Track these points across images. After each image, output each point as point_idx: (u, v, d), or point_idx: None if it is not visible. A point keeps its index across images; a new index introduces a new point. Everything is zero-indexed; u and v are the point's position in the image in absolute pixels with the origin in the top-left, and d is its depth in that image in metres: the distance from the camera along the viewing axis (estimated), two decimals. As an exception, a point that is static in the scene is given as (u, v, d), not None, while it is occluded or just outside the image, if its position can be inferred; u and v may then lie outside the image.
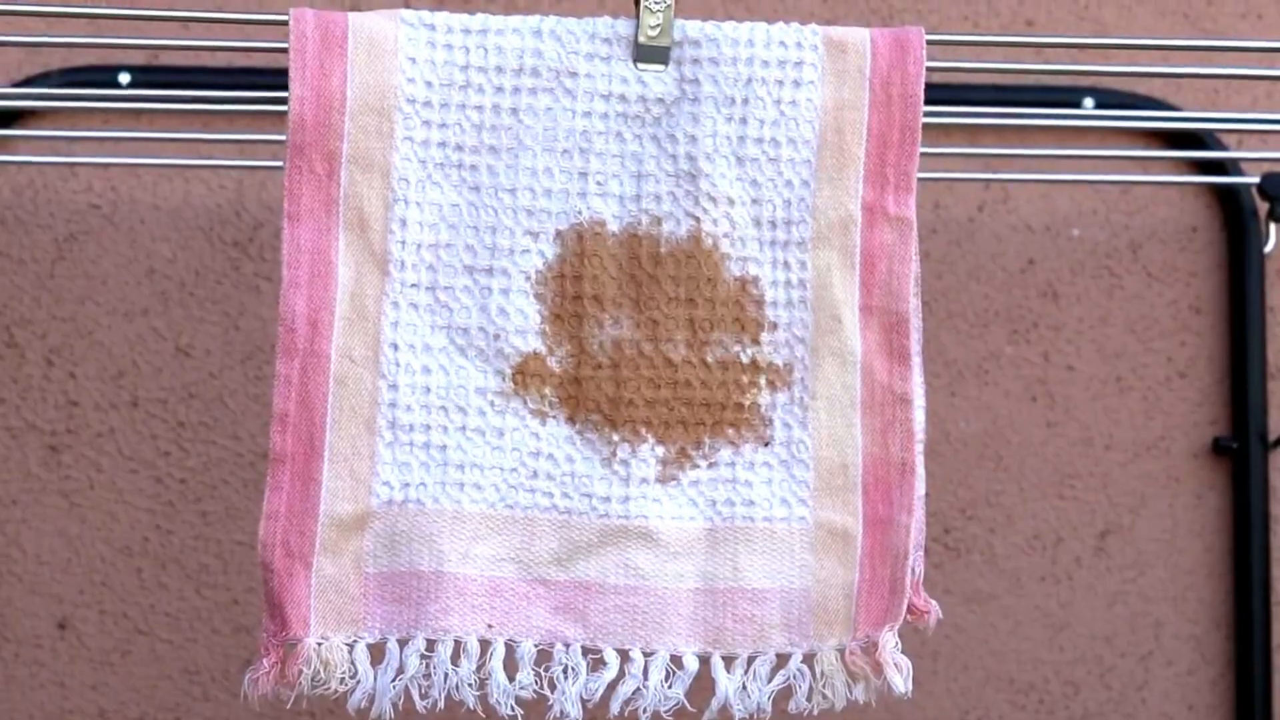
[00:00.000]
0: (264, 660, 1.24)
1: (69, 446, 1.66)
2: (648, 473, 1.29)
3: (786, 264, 1.30)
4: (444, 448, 1.28)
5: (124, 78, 1.65)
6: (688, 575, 1.29)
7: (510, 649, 1.26)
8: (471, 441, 1.28)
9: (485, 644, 1.26)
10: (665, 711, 1.26)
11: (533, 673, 1.26)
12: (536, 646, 1.27)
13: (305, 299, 1.27)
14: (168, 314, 1.66)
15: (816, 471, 1.30)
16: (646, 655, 1.28)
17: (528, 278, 1.29)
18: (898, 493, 1.29)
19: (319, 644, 1.25)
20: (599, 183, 1.30)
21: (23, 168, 1.66)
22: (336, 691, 1.24)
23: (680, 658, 1.28)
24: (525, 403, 1.29)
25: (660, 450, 1.29)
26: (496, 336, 1.29)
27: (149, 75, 1.65)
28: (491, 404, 1.29)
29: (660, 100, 1.30)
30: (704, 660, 1.28)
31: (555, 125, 1.29)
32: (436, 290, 1.29)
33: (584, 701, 1.25)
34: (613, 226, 1.30)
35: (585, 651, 1.28)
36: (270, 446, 1.26)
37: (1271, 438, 1.68)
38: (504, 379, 1.29)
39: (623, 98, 1.30)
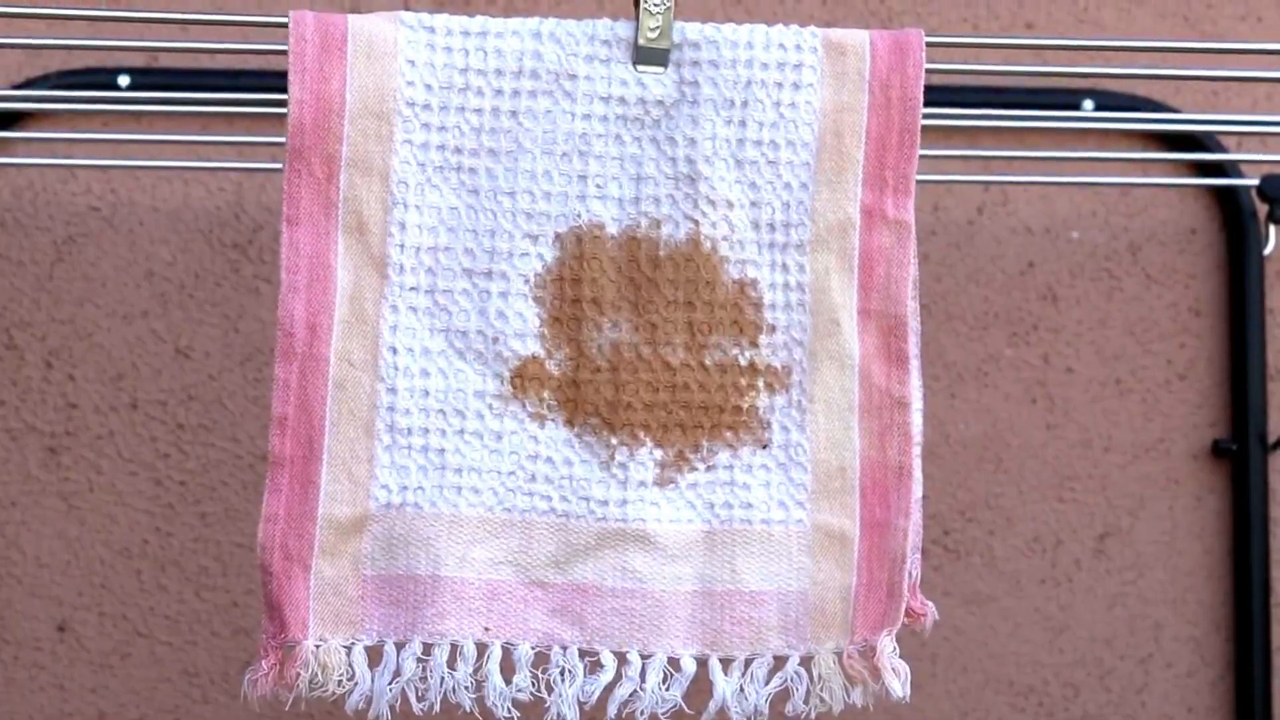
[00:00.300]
0: (263, 662, 1.24)
1: (68, 449, 1.66)
2: (646, 476, 1.29)
3: (785, 266, 1.30)
4: (442, 451, 1.28)
5: (123, 80, 1.65)
6: (685, 578, 1.29)
7: (507, 652, 1.26)
8: (470, 445, 1.28)
9: (482, 647, 1.26)
10: (663, 714, 1.26)
11: (530, 675, 1.26)
12: (534, 649, 1.27)
13: (304, 303, 1.27)
14: (167, 316, 1.66)
15: (814, 474, 1.30)
16: (644, 658, 1.28)
17: (526, 281, 1.29)
18: (895, 496, 1.29)
19: (317, 646, 1.25)
20: (598, 185, 1.30)
21: (22, 170, 1.66)
22: (334, 694, 1.24)
23: (678, 660, 1.28)
24: (524, 406, 1.29)
25: (658, 453, 1.29)
26: (495, 340, 1.28)
27: (148, 77, 1.65)
28: (490, 407, 1.29)
29: (660, 102, 1.30)
30: (701, 663, 1.28)
31: (555, 128, 1.29)
32: (435, 293, 1.29)
33: (580, 704, 1.25)
34: (611, 229, 1.30)
35: (582, 654, 1.28)
36: (269, 450, 1.26)
37: (1271, 440, 1.68)
38: (502, 382, 1.29)
39: (622, 100, 1.30)
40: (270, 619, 1.25)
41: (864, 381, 1.29)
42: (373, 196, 1.28)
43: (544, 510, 1.28)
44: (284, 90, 1.27)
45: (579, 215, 1.29)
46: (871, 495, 1.29)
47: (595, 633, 1.28)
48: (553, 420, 1.29)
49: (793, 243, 1.30)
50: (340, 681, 1.25)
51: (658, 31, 1.30)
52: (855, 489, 1.29)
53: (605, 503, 1.28)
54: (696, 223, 1.29)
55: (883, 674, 1.26)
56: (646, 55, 1.30)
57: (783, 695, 1.27)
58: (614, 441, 1.29)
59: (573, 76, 1.29)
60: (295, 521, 1.26)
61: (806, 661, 1.28)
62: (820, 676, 1.27)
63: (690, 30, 1.30)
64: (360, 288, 1.28)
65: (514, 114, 1.29)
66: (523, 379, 1.29)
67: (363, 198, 1.28)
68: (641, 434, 1.29)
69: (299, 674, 1.25)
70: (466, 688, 1.25)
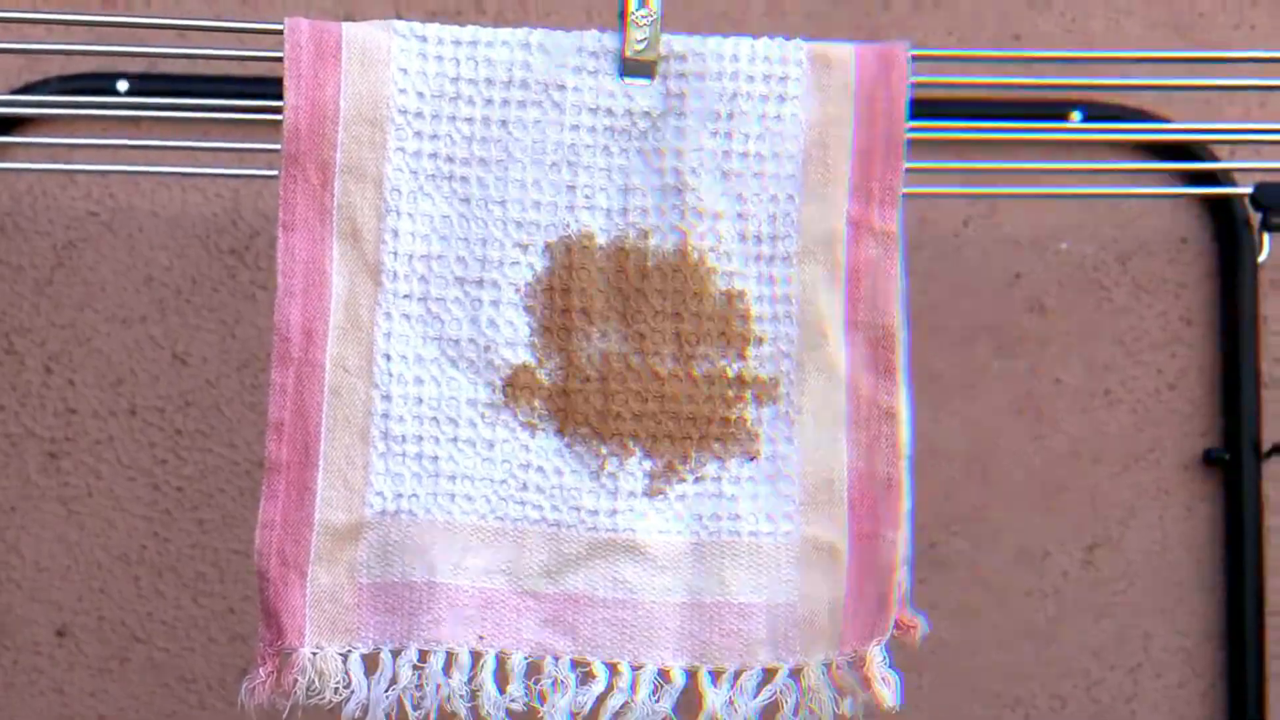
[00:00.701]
0: (260, 669, 1.24)
1: (68, 454, 1.66)
2: (635, 486, 1.29)
3: (772, 278, 1.30)
4: (436, 459, 1.28)
5: (122, 85, 1.65)
6: (675, 589, 1.29)
7: (502, 660, 1.27)
8: (463, 453, 1.28)
9: (477, 655, 1.26)
10: None
11: (523, 685, 1.26)
12: (526, 659, 1.27)
13: (300, 308, 1.27)
14: (165, 322, 1.67)
15: (803, 486, 1.29)
16: (635, 669, 1.28)
17: (517, 290, 1.29)
18: (884, 508, 1.28)
19: (314, 654, 1.26)
20: (586, 196, 1.30)
21: (22, 174, 1.66)
22: (331, 701, 1.24)
23: (668, 671, 1.28)
24: (515, 415, 1.29)
25: (648, 464, 1.29)
26: (487, 348, 1.29)
27: (148, 83, 1.66)
28: (482, 416, 1.29)
29: (646, 114, 1.30)
30: (691, 674, 1.28)
31: (544, 138, 1.30)
32: (428, 301, 1.29)
33: (574, 715, 1.25)
34: (600, 240, 1.30)
35: (575, 664, 1.28)
36: (266, 455, 1.26)
37: (1265, 448, 1.68)
38: (494, 390, 1.29)
39: (609, 111, 1.30)
40: (267, 625, 1.25)
41: (852, 393, 1.29)
42: (366, 203, 1.28)
43: (535, 519, 1.29)
44: (280, 97, 1.27)
45: (568, 225, 1.30)
46: (860, 507, 1.29)
47: (587, 643, 1.28)
48: (544, 430, 1.29)
49: (779, 254, 1.30)
50: (337, 689, 1.25)
51: (644, 43, 1.30)
52: (844, 501, 1.29)
53: (595, 512, 1.29)
54: (684, 233, 1.29)
55: (873, 684, 1.26)
56: (633, 67, 1.30)
57: (772, 707, 1.27)
58: (604, 451, 1.29)
59: (561, 87, 1.30)
60: (292, 527, 1.26)
61: (796, 673, 1.27)
62: (810, 688, 1.27)
63: (677, 42, 1.30)
64: (355, 294, 1.28)
65: (504, 123, 1.29)
66: (514, 388, 1.29)
67: (357, 204, 1.28)
68: (631, 444, 1.29)
69: (296, 681, 1.25)
70: (461, 696, 1.25)
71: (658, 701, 1.27)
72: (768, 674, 1.28)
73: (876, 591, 1.27)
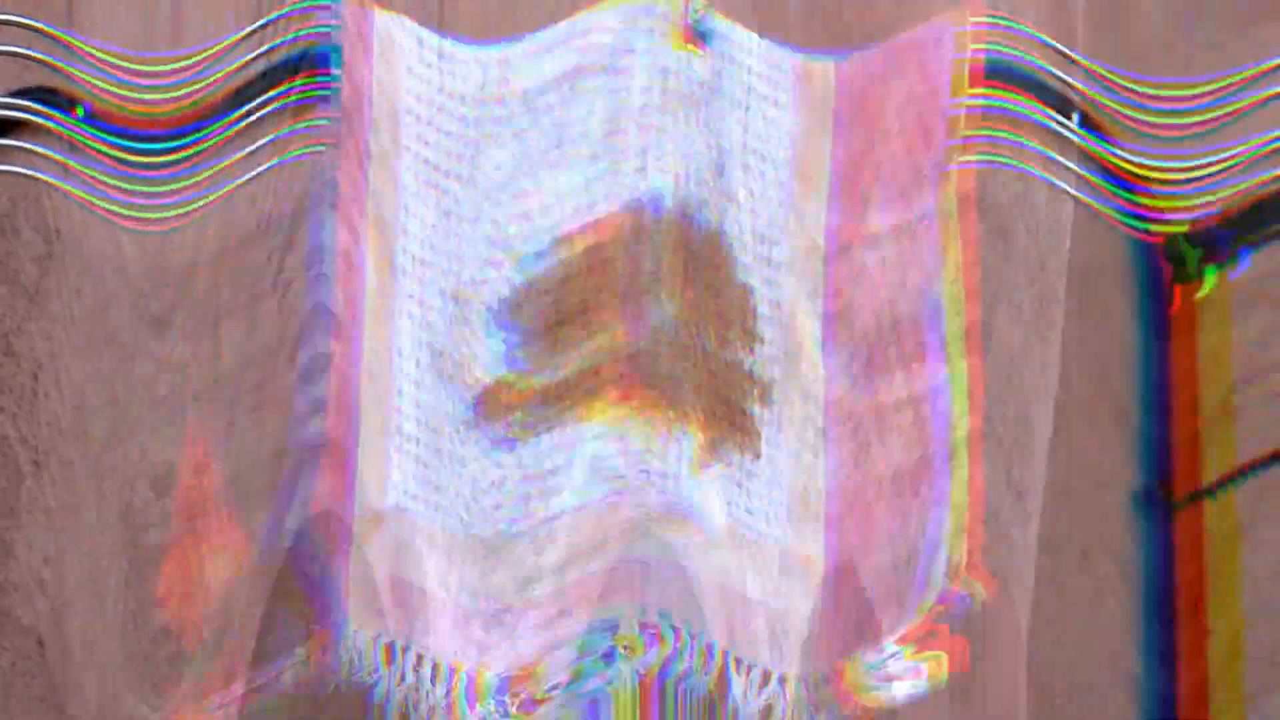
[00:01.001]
0: (300, 648, 1.24)
1: (46, 466, 1.64)
2: (690, 454, 1.28)
3: (771, 281, 1.28)
4: (426, 466, 1.26)
5: (80, 110, 1.56)
6: (714, 568, 1.26)
7: (475, 679, 1.26)
8: (444, 464, 1.26)
9: (453, 670, 1.26)
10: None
11: (498, 701, 1.26)
12: (498, 676, 1.26)
13: (342, 290, 1.25)
14: (111, 355, 1.61)
15: (790, 492, 1.27)
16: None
17: (490, 308, 1.28)
18: (887, 507, 1.26)
19: (356, 632, 1.25)
20: (657, 159, 1.27)
21: (19, 179, 1.64)
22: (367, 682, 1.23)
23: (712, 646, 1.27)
24: (488, 433, 1.27)
25: (700, 437, 1.28)
26: (460, 365, 1.27)
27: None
28: (457, 431, 1.26)
29: (703, 84, 1.28)
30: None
31: (591, 115, 1.28)
32: (424, 307, 1.27)
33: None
34: (668, 202, 1.27)
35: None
36: (303, 436, 1.24)
37: (1196, 487, 1.57)
38: (467, 408, 1.27)
39: (675, 75, 1.28)
40: (311, 601, 1.25)
41: (832, 406, 1.28)
42: (388, 194, 1.26)
43: (510, 534, 1.28)
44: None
45: (637, 187, 1.27)
46: (846, 519, 1.26)
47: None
48: (553, 425, 1.29)
49: (775, 258, 1.28)
50: (371, 671, 1.24)
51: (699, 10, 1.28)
52: (820, 516, 1.27)
53: (664, 475, 1.26)
54: (720, 215, 1.28)
55: (858, 694, 1.24)
56: (691, 35, 1.28)
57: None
58: (671, 415, 1.27)
59: (630, 51, 1.27)
60: (339, 503, 1.24)
61: (783, 682, 1.27)
62: (794, 700, 1.26)
63: (720, 22, 1.28)
64: (381, 283, 1.26)
65: (524, 126, 1.28)
66: (488, 405, 1.28)
67: (382, 192, 1.26)
68: (691, 413, 1.26)
69: (341, 658, 1.24)
70: (443, 710, 1.25)
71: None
72: (764, 676, 1.26)
73: (888, 591, 1.25)
